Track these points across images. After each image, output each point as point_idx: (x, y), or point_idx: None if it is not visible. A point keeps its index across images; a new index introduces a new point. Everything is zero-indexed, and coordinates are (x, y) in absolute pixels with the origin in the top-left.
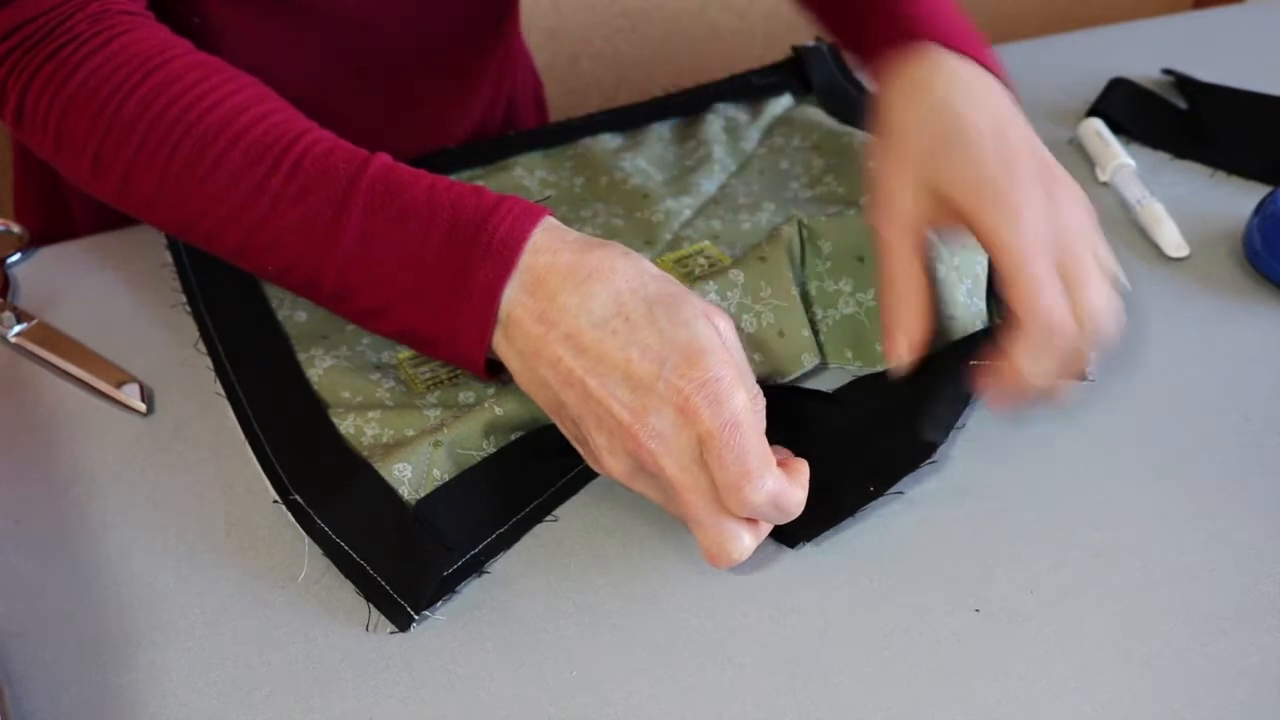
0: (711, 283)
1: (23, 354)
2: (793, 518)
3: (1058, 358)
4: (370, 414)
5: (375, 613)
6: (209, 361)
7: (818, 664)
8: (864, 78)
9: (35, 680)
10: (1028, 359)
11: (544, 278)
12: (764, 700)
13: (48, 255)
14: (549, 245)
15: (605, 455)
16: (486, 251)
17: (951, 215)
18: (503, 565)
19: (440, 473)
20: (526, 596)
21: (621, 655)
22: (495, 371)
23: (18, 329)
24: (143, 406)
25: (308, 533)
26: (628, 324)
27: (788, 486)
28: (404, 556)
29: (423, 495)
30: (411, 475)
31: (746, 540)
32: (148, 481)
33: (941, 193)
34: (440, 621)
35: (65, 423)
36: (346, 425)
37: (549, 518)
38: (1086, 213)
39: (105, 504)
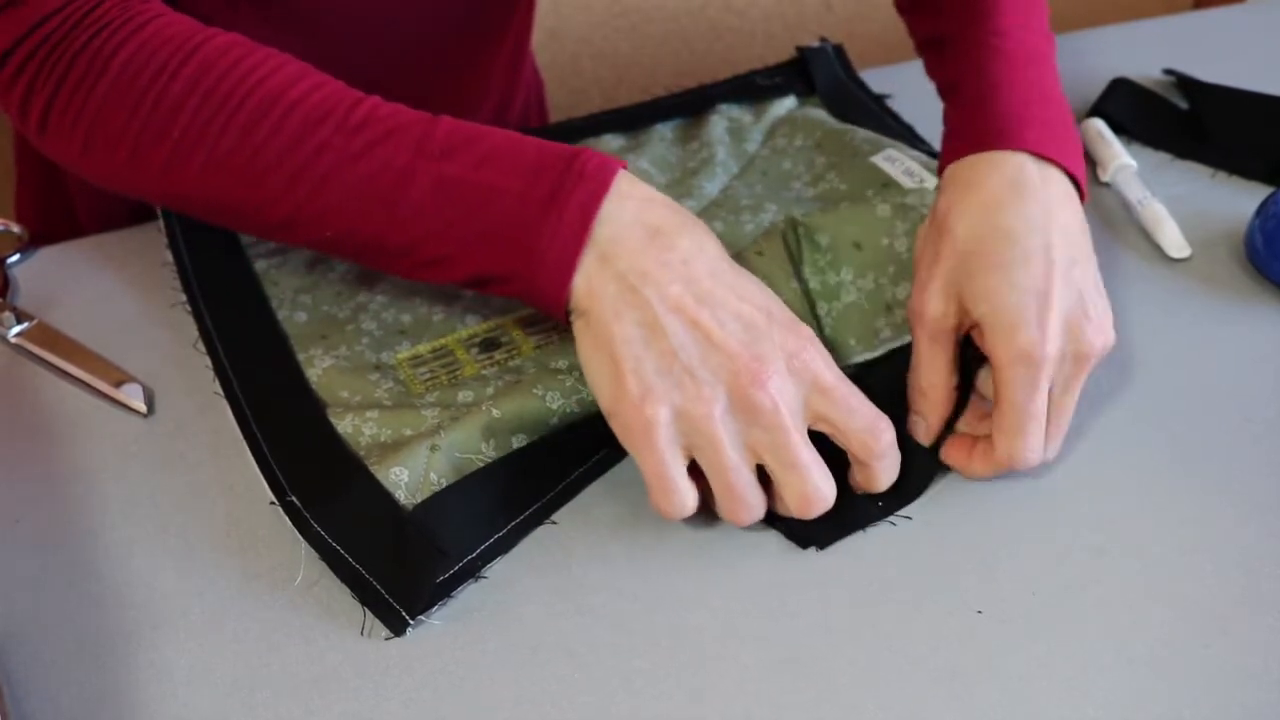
0: None
1: (23, 354)
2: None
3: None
4: (368, 414)
5: (370, 617)
6: (209, 361)
7: (819, 665)
8: (875, 88)
9: (35, 680)
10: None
11: (648, 206)
12: (766, 701)
13: (48, 255)
14: (640, 186)
15: (702, 389)
16: (581, 177)
17: (974, 325)
18: (503, 567)
19: (437, 477)
20: (527, 598)
21: (622, 656)
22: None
23: (18, 329)
24: (143, 406)
25: (303, 536)
26: (734, 272)
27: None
28: (400, 562)
29: (419, 500)
30: (408, 479)
31: (830, 481)
32: (148, 481)
33: (966, 307)
34: (440, 623)
35: (65, 423)
36: (345, 425)
37: (549, 520)
38: (1101, 344)
39: (105, 504)
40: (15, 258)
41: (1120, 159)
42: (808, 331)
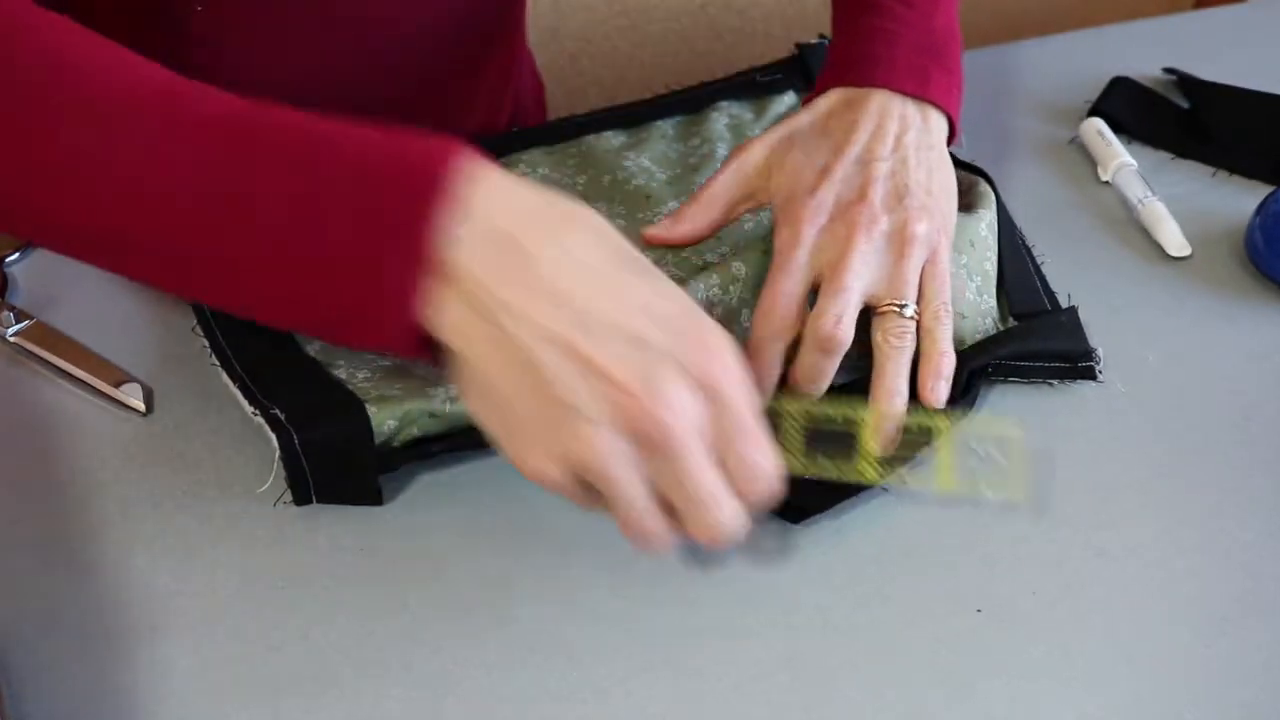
0: (715, 275)
1: (22, 354)
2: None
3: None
4: (363, 371)
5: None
6: (208, 360)
7: (819, 664)
8: None
9: (35, 680)
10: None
11: (500, 211)
12: (765, 700)
13: (48, 255)
14: (489, 174)
15: (580, 428)
16: (397, 182)
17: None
18: (503, 565)
19: (420, 431)
20: (527, 596)
21: (622, 655)
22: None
23: (17, 328)
24: (143, 406)
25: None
26: (619, 271)
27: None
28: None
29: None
30: (392, 427)
31: (736, 511)
32: (148, 481)
33: (771, 178)
34: (441, 621)
35: (65, 423)
36: (338, 374)
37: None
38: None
39: (105, 504)
40: (15, 257)
41: (1120, 158)
42: (719, 339)
